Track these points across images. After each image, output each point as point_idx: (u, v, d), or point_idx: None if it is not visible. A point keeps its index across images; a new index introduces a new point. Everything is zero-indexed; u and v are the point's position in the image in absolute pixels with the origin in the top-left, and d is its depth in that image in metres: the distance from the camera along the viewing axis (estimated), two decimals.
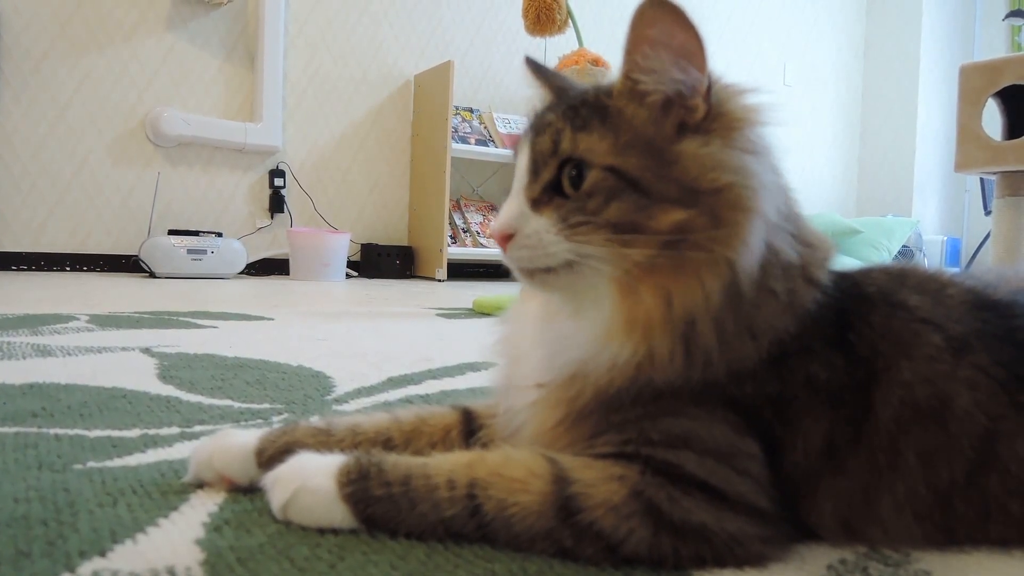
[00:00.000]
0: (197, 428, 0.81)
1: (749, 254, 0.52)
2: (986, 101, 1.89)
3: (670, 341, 0.52)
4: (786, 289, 0.54)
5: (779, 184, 0.57)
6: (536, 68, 0.67)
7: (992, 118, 1.90)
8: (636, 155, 0.53)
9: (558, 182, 0.55)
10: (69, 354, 1.23)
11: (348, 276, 3.78)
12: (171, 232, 3.36)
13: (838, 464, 0.54)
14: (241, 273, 3.56)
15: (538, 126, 0.58)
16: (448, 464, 0.53)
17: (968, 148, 1.90)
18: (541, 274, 0.55)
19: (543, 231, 0.54)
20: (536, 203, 0.56)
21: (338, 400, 0.99)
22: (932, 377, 0.54)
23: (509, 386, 0.63)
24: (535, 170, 0.56)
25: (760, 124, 0.56)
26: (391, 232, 4.12)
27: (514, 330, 0.66)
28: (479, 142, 4.02)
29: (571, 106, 0.57)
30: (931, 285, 0.61)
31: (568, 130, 0.55)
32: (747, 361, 0.53)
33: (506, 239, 0.56)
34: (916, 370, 0.54)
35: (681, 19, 0.52)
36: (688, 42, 0.53)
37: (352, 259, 3.90)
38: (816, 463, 0.54)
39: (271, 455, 0.60)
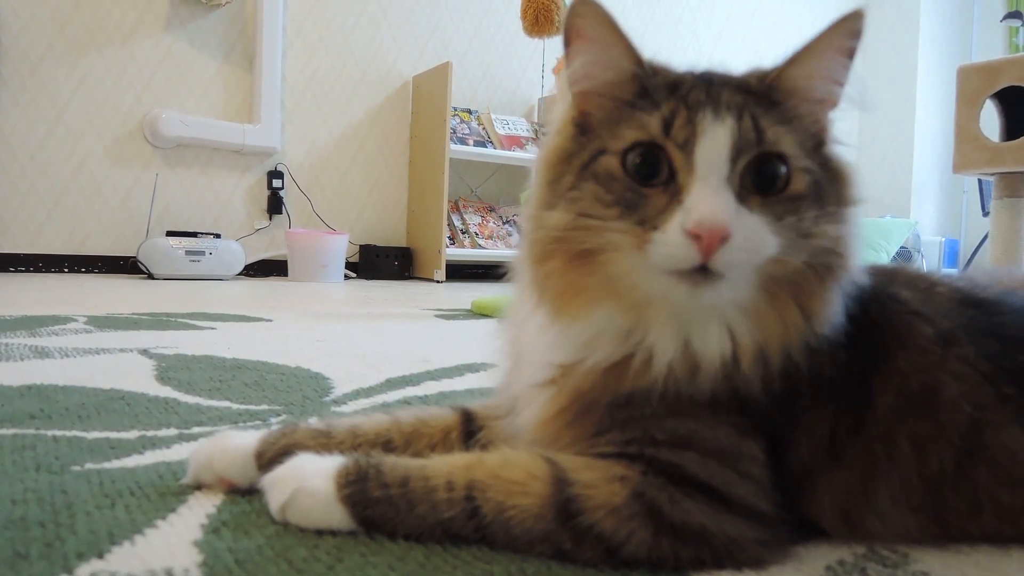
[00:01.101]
0: (195, 429, 0.81)
1: (858, 269, 0.54)
2: (984, 102, 1.89)
3: (779, 361, 0.53)
4: None
5: None
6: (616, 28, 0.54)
7: (990, 119, 1.90)
8: (814, 160, 0.52)
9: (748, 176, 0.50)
10: (67, 355, 1.23)
11: (347, 277, 3.78)
12: (169, 233, 3.36)
13: (838, 456, 0.54)
14: (239, 274, 3.55)
15: (728, 106, 0.50)
16: (447, 466, 0.53)
17: (966, 149, 1.90)
18: (722, 283, 0.48)
19: (762, 230, 0.48)
20: (741, 198, 0.49)
21: (336, 401, 0.99)
22: (924, 367, 0.55)
23: (513, 383, 0.63)
24: (735, 159, 0.49)
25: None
26: (390, 233, 4.12)
27: (517, 329, 0.65)
28: (477, 143, 4.02)
29: (742, 91, 0.52)
30: (921, 283, 0.63)
31: (766, 118, 0.50)
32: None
33: (724, 238, 0.46)
34: (910, 359, 0.55)
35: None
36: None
37: (351, 260, 3.90)
38: (819, 457, 0.54)
39: (271, 457, 0.60)
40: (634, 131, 0.51)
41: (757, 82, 0.53)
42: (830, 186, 0.53)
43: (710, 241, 0.46)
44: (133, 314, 1.88)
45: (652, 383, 0.52)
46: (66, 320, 1.68)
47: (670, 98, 0.51)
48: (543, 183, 0.55)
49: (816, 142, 0.54)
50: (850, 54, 0.53)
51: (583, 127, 0.55)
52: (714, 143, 0.49)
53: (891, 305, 0.58)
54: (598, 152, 0.52)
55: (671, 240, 0.47)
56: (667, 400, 0.52)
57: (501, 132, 4.13)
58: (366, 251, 3.93)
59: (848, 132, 0.54)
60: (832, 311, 0.53)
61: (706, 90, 0.51)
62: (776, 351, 0.52)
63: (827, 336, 0.53)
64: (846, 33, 0.52)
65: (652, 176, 0.50)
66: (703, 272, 0.47)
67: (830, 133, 0.55)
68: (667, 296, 0.50)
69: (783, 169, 0.50)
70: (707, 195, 0.47)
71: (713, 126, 0.49)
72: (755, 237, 0.48)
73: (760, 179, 0.50)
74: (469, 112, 4.17)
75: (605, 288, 0.52)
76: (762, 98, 0.52)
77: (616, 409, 0.54)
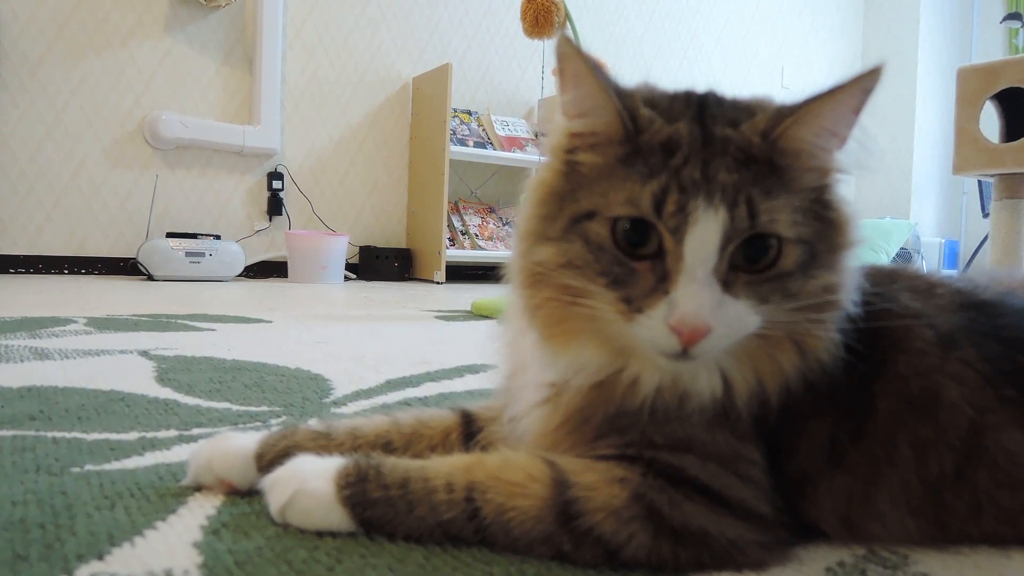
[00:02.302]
0: (195, 431, 0.81)
1: (851, 295, 0.53)
2: (984, 103, 1.89)
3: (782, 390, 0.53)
4: None
5: None
6: (583, 57, 0.52)
7: (990, 120, 1.90)
8: (810, 221, 0.50)
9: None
10: (67, 357, 1.23)
11: (346, 279, 3.78)
12: (169, 235, 3.36)
13: (839, 461, 0.54)
14: (239, 276, 3.55)
15: (722, 192, 0.48)
16: (447, 467, 0.53)
17: (966, 150, 1.90)
18: (702, 358, 0.50)
19: (744, 315, 0.49)
20: (727, 283, 0.49)
21: (336, 403, 0.99)
22: (924, 370, 0.55)
23: (513, 391, 0.63)
24: (724, 247, 0.48)
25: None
26: (389, 234, 4.12)
27: (515, 333, 0.65)
28: (477, 144, 4.02)
29: (737, 160, 0.49)
30: (920, 284, 0.62)
31: (761, 198, 0.48)
32: None
33: (707, 333, 0.47)
34: (910, 363, 0.55)
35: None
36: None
37: (350, 262, 3.90)
38: (819, 463, 0.54)
39: (271, 459, 0.60)
40: (624, 204, 0.49)
41: (760, 140, 0.50)
42: (826, 237, 0.51)
43: (691, 337, 0.47)
44: (133, 315, 1.87)
45: (641, 401, 0.53)
46: (66, 321, 1.68)
47: (662, 170, 0.49)
48: (534, 215, 0.54)
49: (816, 195, 0.51)
50: (861, 108, 0.51)
51: (574, 166, 0.53)
52: (705, 234, 0.47)
53: (891, 309, 0.58)
54: (588, 212, 0.51)
55: (655, 326, 0.48)
56: (661, 412, 0.53)
57: (501, 133, 4.13)
58: (366, 252, 3.93)
59: None
60: (829, 343, 0.53)
61: (702, 163, 0.48)
62: (774, 388, 0.53)
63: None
64: (861, 90, 0.50)
65: (641, 244, 0.49)
66: (684, 354, 0.48)
67: (833, 174, 0.53)
68: (650, 358, 0.51)
69: (774, 247, 0.49)
70: (692, 292, 0.47)
71: (705, 216, 0.47)
72: (736, 324, 0.49)
73: (750, 255, 0.49)
74: (469, 113, 4.17)
75: (591, 331, 0.52)
76: (762, 165, 0.49)
77: (613, 417, 0.54)
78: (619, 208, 0.49)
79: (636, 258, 0.49)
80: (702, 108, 0.52)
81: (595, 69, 0.50)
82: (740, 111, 0.52)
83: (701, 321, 0.47)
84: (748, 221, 0.48)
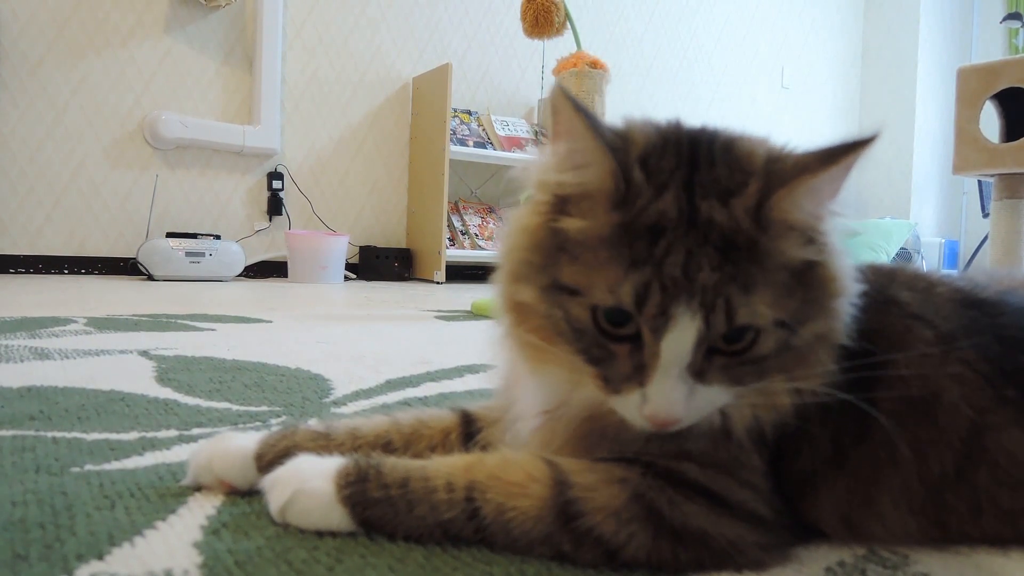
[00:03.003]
0: (195, 431, 0.81)
1: (845, 329, 0.53)
2: (984, 103, 1.89)
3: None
4: None
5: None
6: (580, 109, 0.49)
7: (990, 120, 1.90)
8: (791, 295, 0.49)
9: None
10: (67, 357, 1.23)
11: (346, 278, 3.78)
12: (169, 235, 3.36)
13: (842, 463, 0.54)
14: (239, 276, 3.55)
15: (700, 295, 0.47)
16: (446, 467, 0.53)
17: (966, 150, 1.91)
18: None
19: (715, 398, 0.50)
20: (700, 374, 0.49)
21: (336, 403, 0.99)
22: (924, 371, 0.55)
23: (511, 413, 0.63)
24: (700, 344, 0.48)
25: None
26: (389, 234, 4.12)
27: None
28: (477, 144, 4.02)
29: (719, 250, 0.47)
30: (920, 283, 0.62)
31: (739, 296, 0.47)
32: None
33: (673, 424, 0.49)
34: (910, 364, 0.55)
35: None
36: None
37: (350, 261, 3.90)
38: (821, 465, 0.54)
39: (271, 459, 0.59)
40: (606, 292, 0.48)
41: (747, 220, 0.48)
42: (812, 299, 0.50)
43: (662, 425, 0.49)
44: (133, 315, 1.87)
45: (637, 432, 0.52)
46: (66, 321, 1.68)
47: (647, 260, 0.47)
48: (517, 259, 0.53)
49: (803, 264, 0.50)
50: (850, 168, 0.49)
51: (560, 227, 0.51)
52: (682, 337, 0.47)
53: (890, 309, 0.58)
54: (571, 289, 0.49)
55: (630, 409, 0.50)
56: (657, 436, 0.52)
57: (501, 133, 4.13)
58: (366, 252, 3.93)
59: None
60: (824, 376, 0.52)
61: (685, 255, 0.47)
62: (769, 422, 0.53)
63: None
64: (854, 161, 0.48)
65: (621, 325, 0.49)
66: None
67: (823, 236, 0.51)
68: None
69: (750, 335, 0.48)
70: (665, 390, 0.48)
71: (683, 319, 0.47)
72: (707, 406, 0.50)
73: (727, 338, 0.48)
74: (469, 113, 4.17)
75: (573, 370, 0.53)
76: (745, 252, 0.48)
77: (611, 440, 0.54)
78: (601, 296, 0.48)
79: (615, 339, 0.49)
80: (692, 168, 0.50)
81: (591, 123, 0.49)
82: (732, 169, 0.50)
83: (672, 416, 0.49)
84: (725, 320, 0.47)
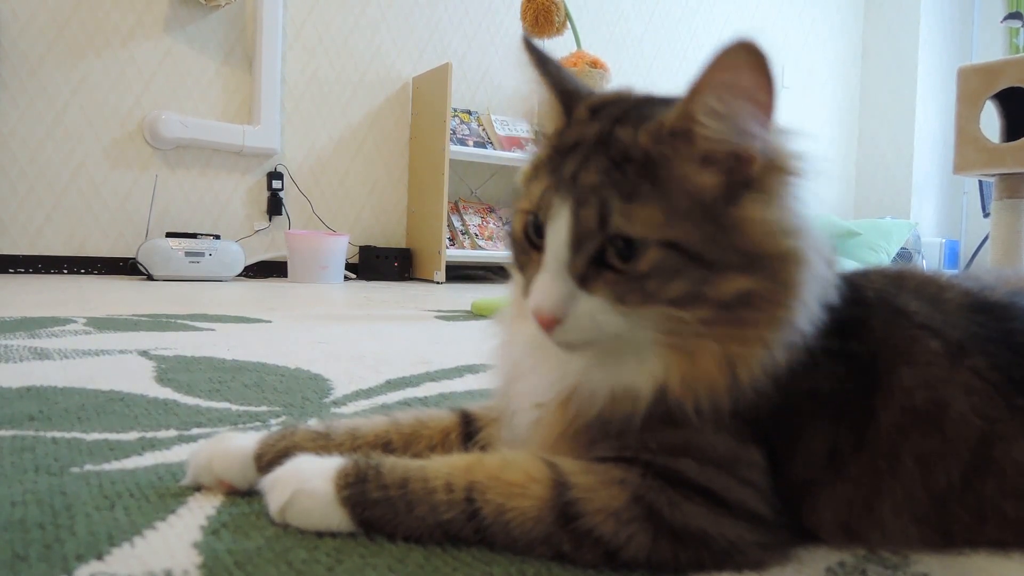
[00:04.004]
0: (195, 431, 0.81)
1: (807, 312, 0.51)
2: (984, 103, 1.89)
3: (727, 400, 0.51)
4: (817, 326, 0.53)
5: (817, 228, 0.54)
6: (540, 60, 0.59)
7: (990, 120, 1.90)
8: (694, 224, 0.49)
9: (602, 253, 0.50)
10: (66, 357, 1.23)
11: (346, 278, 3.78)
12: (169, 235, 3.35)
13: (840, 470, 0.54)
14: (239, 275, 3.55)
15: (576, 191, 0.50)
16: (446, 467, 0.53)
17: (966, 150, 1.90)
18: (583, 345, 0.52)
19: (598, 312, 0.50)
20: (583, 279, 0.50)
21: (336, 403, 0.99)
22: (930, 382, 0.54)
23: (509, 407, 0.62)
24: (578, 244, 0.50)
25: (803, 174, 0.52)
26: (389, 234, 4.12)
27: (511, 346, 0.64)
28: (477, 144, 4.02)
29: (613, 160, 0.50)
30: (929, 288, 0.61)
31: (617, 200, 0.49)
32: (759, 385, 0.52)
33: (553, 322, 0.50)
34: (915, 375, 0.55)
35: (767, 67, 0.47)
36: (769, 92, 0.48)
37: (350, 261, 3.90)
38: (818, 471, 0.54)
39: (270, 459, 0.60)
40: (526, 200, 0.54)
41: (649, 139, 0.50)
42: (727, 244, 0.49)
43: (543, 324, 0.51)
44: (133, 315, 1.87)
45: (629, 410, 0.52)
46: (66, 321, 1.68)
47: (557, 168, 0.53)
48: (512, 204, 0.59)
49: (717, 197, 0.49)
50: (747, 93, 0.48)
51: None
52: (556, 231, 0.51)
53: (897, 319, 0.57)
54: (519, 208, 0.56)
55: (529, 308, 0.52)
56: (652, 420, 0.52)
57: (501, 133, 4.13)
58: (366, 252, 3.93)
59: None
60: (764, 358, 0.51)
61: (580, 162, 0.51)
62: (707, 396, 0.51)
63: (822, 353, 0.52)
64: (727, 67, 0.47)
65: (540, 236, 0.53)
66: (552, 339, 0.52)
67: (747, 177, 0.50)
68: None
69: (629, 249, 0.49)
70: (542, 283, 0.51)
71: (558, 214, 0.51)
72: (591, 319, 0.50)
73: (620, 255, 0.49)
74: (469, 113, 4.17)
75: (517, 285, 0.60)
76: (638, 166, 0.49)
77: (605, 424, 0.54)
78: (526, 203, 0.54)
79: (537, 248, 0.54)
80: (633, 108, 0.54)
81: (549, 74, 0.58)
82: (662, 108, 0.52)
83: (545, 311, 0.50)
84: (597, 222, 0.49)
